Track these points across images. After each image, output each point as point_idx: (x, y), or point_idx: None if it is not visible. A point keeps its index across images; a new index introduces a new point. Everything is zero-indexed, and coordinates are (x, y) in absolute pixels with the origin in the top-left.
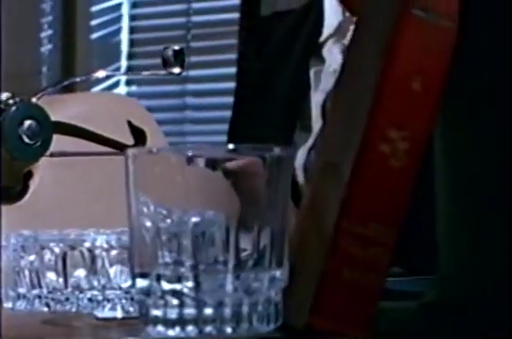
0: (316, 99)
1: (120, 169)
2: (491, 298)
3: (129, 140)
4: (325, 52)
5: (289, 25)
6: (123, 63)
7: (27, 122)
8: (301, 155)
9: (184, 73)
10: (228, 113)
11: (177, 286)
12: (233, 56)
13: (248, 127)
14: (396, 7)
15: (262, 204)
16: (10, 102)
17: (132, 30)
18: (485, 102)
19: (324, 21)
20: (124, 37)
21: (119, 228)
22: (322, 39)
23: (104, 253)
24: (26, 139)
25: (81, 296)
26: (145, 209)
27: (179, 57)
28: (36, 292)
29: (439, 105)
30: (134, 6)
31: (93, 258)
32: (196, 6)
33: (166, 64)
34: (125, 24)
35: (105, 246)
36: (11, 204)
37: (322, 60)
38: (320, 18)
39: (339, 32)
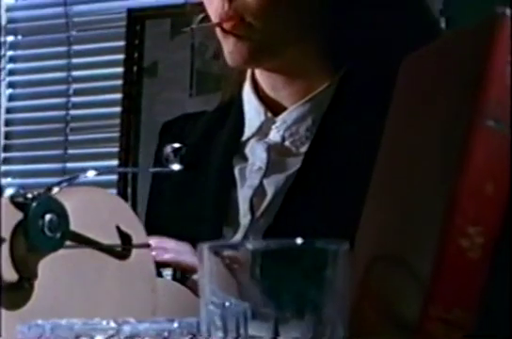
0: (244, 195)
1: (107, 264)
2: None
3: (115, 238)
4: (247, 151)
5: (206, 126)
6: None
7: (48, 216)
8: None
9: (62, 167)
10: None
11: None
12: (114, 149)
13: (174, 224)
14: (469, 115)
15: (330, 292)
16: (29, 196)
17: (7, 123)
18: None
19: (244, 121)
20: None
21: (118, 318)
22: (244, 138)
23: None
24: (48, 232)
25: None
26: (215, 298)
27: (178, 154)
28: None
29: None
30: (10, 99)
31: None
32: (75, 99)
33: (166, 161)
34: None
35: (142, 334)
36: (27, 298)
37: (245, 159)
38: (240, 118)
39: (261, 132)
